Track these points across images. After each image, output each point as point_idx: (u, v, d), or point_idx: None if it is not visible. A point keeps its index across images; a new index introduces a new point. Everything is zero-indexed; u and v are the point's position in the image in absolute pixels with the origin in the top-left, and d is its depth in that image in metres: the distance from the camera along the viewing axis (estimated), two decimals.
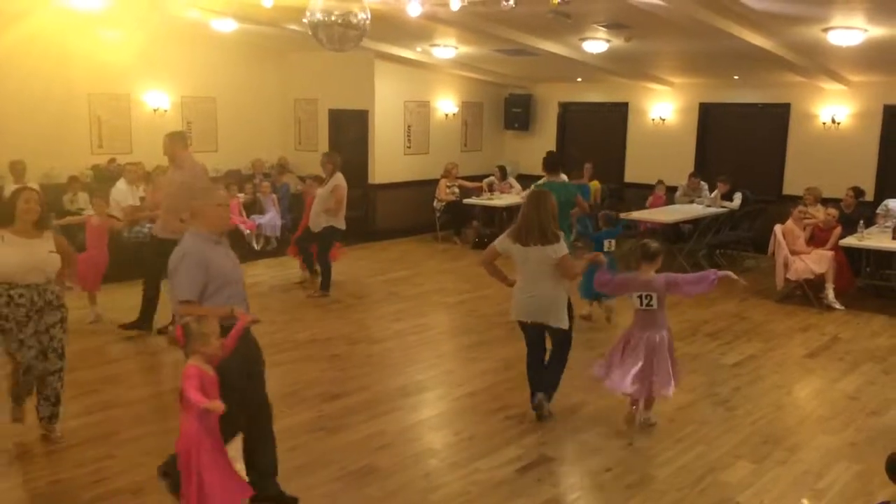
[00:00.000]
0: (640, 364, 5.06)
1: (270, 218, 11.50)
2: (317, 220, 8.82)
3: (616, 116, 13.25)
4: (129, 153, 11.15)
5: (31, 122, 10.26)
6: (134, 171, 9.61)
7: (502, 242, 5.28)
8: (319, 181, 9.23)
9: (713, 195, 11.08)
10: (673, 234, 10.33)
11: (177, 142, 7.40)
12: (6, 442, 4.92)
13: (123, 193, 9.35)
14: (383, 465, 4.73)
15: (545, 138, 14.06)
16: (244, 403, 4.01)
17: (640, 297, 5.07)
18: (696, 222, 10.32)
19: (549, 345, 5.48)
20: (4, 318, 4.70)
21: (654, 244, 5.21)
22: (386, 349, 7.12)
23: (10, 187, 8.95)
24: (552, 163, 7.73)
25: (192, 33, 11.25)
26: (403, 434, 5.26)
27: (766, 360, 6.93)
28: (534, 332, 5.35)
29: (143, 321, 7.32)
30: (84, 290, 7.63)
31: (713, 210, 10.66)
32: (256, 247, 11.17)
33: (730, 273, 5.09)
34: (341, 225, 8.92)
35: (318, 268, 9.16)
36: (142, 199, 9.63)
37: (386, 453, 4.91)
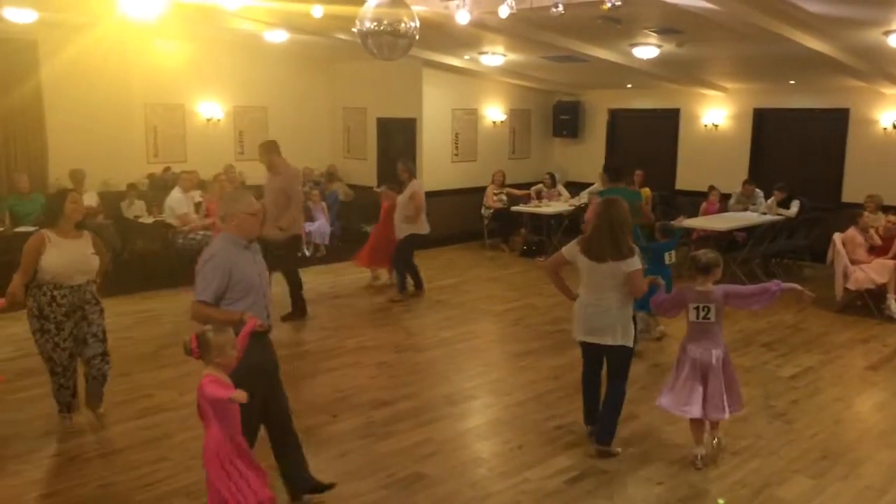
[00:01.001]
0: (696, 384, 4.73)
1: (320, 225, 11.63)
2: (399, 228, 9.05)
3: (667, 123, 13.04)
4: (184, 162, 11.40)
5: (91, 131, 10.58)
6: (189, 179, 9.82)
7: (570, 250, 4.91)
8: (396, 189, 9.50)
9: (769, 202, 10.82)
10: (726, 242, 10.11)
11: (271, 149, 7.98)
12: (59, 445, 5.04)
13: (178, 201, 9.55)
14: (431, 473, 4.72)
15: (594, 145, 13.94)
16: (263, 405, 4.09)
17: (697, 308, 4.73)
18: (750, 230, 10.09)
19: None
20: (45, 317, 4.98)
21: (706, 256, 4.79)
22: (434, 357, 7.11)
23: None
24: (616, 169, 7.19)
25: (245, 44, 11.47)
26: (452, 442, 5.23)
27: (825, 373, 6.72)
28: (594, 352, 4.98)
29: (298, 311, 8.14)
30: None
31: (769, 218, 10.41)
32: (307, 253, 11.30)
33: (795, 285, 4.72)
34: (422, 230, 9.13)
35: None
36: (197, 205, 9.83)
37: (434, 461, 4.89)
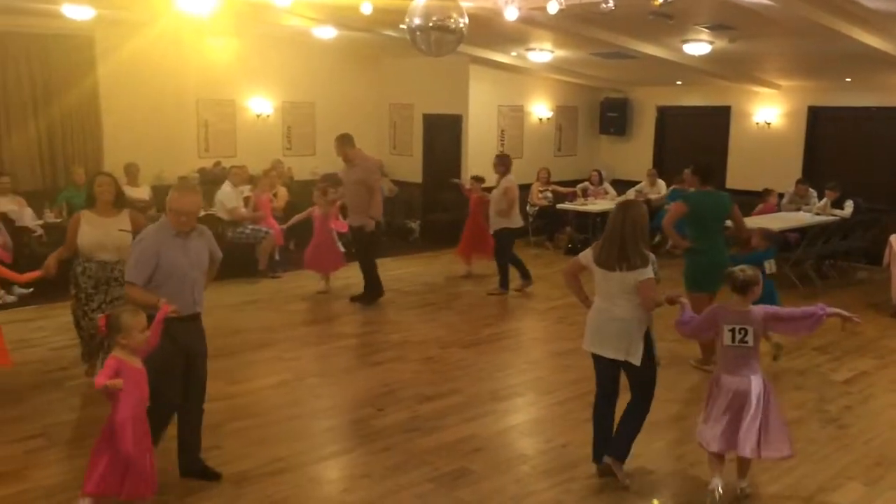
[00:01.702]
0: (726, 417, 4.23)
1: None
2: (492, 221, 9.23)
3: (718, 121, 12.83)
4: (234, 156, 11.58)
5: (146, 127, 10.82)
6: (238, 173, 9.98)
7: (587, 255, 4.55)
8: (480, 181, 9.86)
9: (822, 203, 10.57)
10: (778, 243, 9.89)
11: (346, 143, 8.33)
12: None
13: (228, 195, 9.72)
14: (475, 469, 4.73)
15: (642, 143, 13.79)
16: (176, 386, 4.33)
17: (733, 330, 4.22)
18: (803, 231, 9.86)
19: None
20: (78, 286, 5.57)
21: (744, 273, 4.27)
22: (477, 353, 7.11)
23: (124, 189, 9.44)
24: (706, 169, 6.59)
25: (294, 40, 11.60)
26: (495, 438, 5.23)
27: (881, 378, 6.54)
28: (606, 368, 4.54)
29: (371, 294, 8.67)
30: (318, 272, 9.19)
31: (822, 218, 10.16)
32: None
33: (841, 311, 4.23)
34: (515, 224, 9.26)
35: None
36: (246, 199, 9.99)
37: (478, 457, 4.90)
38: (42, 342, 7.05)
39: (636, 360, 4.37)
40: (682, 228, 6.60)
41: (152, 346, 3.96)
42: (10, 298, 8.27)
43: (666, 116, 13.65)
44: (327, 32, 10.22)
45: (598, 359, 4.55)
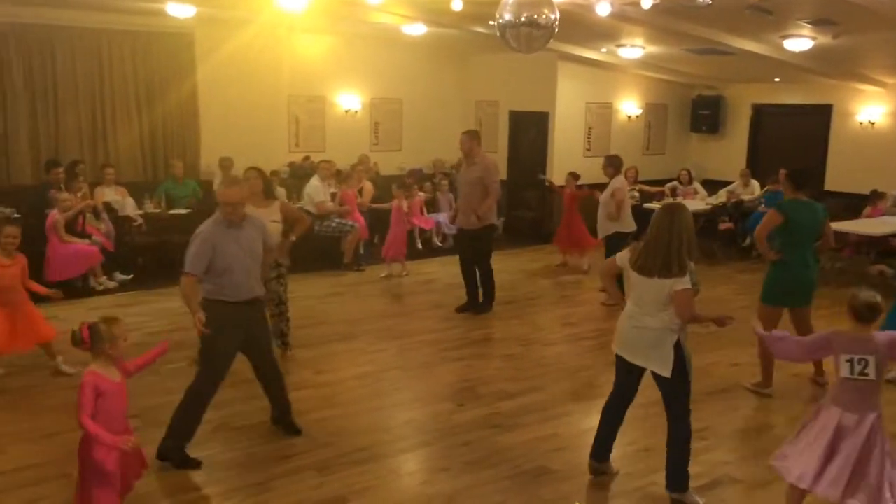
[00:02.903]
0: (821, 451, 3.69)
1: (446, 216, 11.78)
2: (602, 226, 8.73)
3: (817, 120, 12.27)
4: (323, 151, 11.82)
5: (240, 122, 11.17)
6: (327, 168, 10.18)
7: (623, 258, 4.39)
8: (576, 177, 9.81)
9: None
10: (877, 248, 9.40)
11: (473, 139, 8.03)
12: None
13: (317, 189, 9.92)
14: (556, 468, 4.69)
15: (735, 142, 13.34)
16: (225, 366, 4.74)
17: (851, 361, 3.65)
18: None
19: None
20: None
21: (874, 298, 3.69)
22: (559, 352, 7.05)
23: (217, 181, 9.79)
24: (800, 177, 6.10)
25: (383, 37, 11.75)
26: (577, 438, 5.17)
27: None
28: (629, 373, 4.41)
29: (478, 300, 8.35)
30: (388, 259, 9.64)
31: None
32: (438, 243, 11.50)
33: None
34: (627, 228, 8.62)
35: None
36: (333, 194, 10.19)
37: (559, 456, 4.86)
38: (140, 327, 7.36)
39: (666, 372, 4.16)
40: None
41: (135, 372, 3.90)
42: (112, 284, 8.70)
43: (762, 115, 13.15)
44: (416, 29, 10.31)
45: (621, 361, 4.42)
